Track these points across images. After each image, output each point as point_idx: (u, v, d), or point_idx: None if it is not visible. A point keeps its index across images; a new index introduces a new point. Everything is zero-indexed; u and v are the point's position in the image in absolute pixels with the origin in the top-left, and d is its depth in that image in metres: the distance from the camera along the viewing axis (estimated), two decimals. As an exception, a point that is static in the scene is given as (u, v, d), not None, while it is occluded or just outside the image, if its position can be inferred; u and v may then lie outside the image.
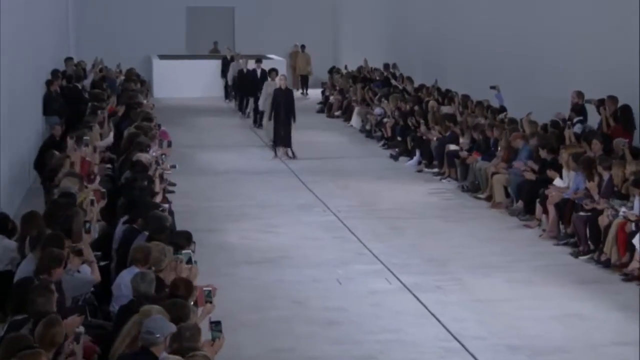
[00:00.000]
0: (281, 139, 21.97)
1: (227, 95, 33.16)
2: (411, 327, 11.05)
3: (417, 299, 12.08)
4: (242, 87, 29.29)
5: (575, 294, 12.27)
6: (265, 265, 13.57)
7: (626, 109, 16.28)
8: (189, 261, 9.30)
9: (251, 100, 27.86)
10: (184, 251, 9.36)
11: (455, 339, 10.65)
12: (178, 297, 8.09)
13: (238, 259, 13.84)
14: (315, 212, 16.96)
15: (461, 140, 19.44)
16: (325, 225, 15.97)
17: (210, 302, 8.39)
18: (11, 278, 9.48)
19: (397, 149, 22.51)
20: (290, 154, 21.91)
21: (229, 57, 32.85)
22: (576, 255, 13.94)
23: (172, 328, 7.03)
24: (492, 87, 20.97)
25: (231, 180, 19.62)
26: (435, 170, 20.16)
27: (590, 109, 17.45)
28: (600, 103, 16.76)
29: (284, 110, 21.95)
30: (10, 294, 8.17)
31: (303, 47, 36.34)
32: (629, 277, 12.77)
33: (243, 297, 11.97)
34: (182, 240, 9.84)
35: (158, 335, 6.93)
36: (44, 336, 6.85)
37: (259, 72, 27.89)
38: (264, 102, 23.75)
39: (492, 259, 13.91)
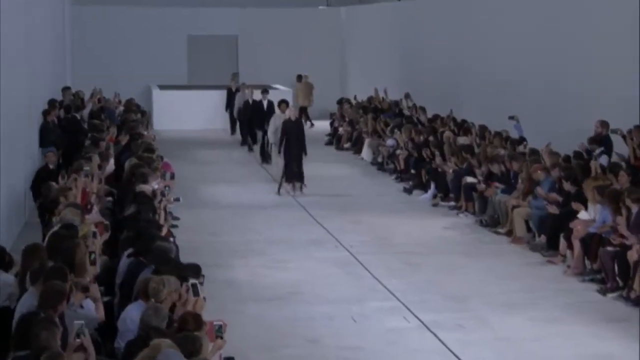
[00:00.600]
0: (293, 175, 21.58)
1: (233, 129, 32.30)
2: (431, 367, 10.99)
3: (437, 337, 12.01)
4: (248, 119, 28.78)
5: (604, 334, 12.18)
6: (276, 302, 13.52)
7: (655, 138, 16.29)
8: (195, 292, 9.23)
9: (259, 134, 27.43)
10: (190, 281, 9.30)
11: (479, 379, 10.58)
12: (187, 331, 8.03)
13: (246, 295, 13.78)
14: (326, 247, 16.93)
15: (477, 171, 19.41)
16: (337, 261, 15.93)
17: (221, 338, 8.31)
18: (9, 314, 9.43)
19: (410, 182, 22.49)
20: (301, 189, 21.61)
21: (233, 89, 32.20)
22: (604, 292, 13.86)
23: (184, 362, 6.98)
24: (511, 118, 21.00)
25: (236, 215, 19.60)
26: (452, 203, 20.12)
27: (616, 139, 17.43)
28: (628, 133, 16.74)
29: (295, 143, 21.61)
30: (13, 329, 8.11)
31: (299, 77, 35.95)
32: (660, 315, 12.70)
33: (252, 336, 11.90)
34: (190, 272, 9.80)
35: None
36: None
37: (265, 103, 27.53)
38: (273, 135, 23.29)
39: (514, 296, 13.85)
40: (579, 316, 12.88)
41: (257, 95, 28.57)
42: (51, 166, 17.59)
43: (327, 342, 11.85)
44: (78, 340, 7.24)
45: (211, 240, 17.24)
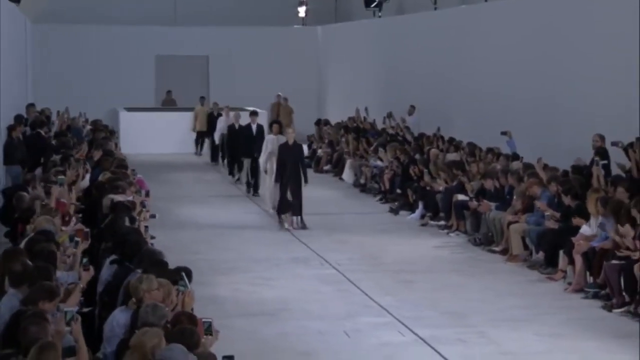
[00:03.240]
0: (289, 206, 19.95)
1: (214, 157, 31.14)
2: (433, 380, 10.91)
3: (437, 351, 11.92)
4: (234, 146, 26.38)
5: (612, 348, 12.13)
6: (263, 317, 13.41)
7: (657, 150, 16.33)
8: (184, 285, 9.19)
9: (246, 162, 24.98)
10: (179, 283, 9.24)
11: (485, 392, 10.49)
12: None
13: (232, 312, 13.66)
14: (312, 265, 16.87)
15: (468, 187, 19.41)
16: (325, 279, 15.85)
17: (211, 334, 8.27)
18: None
19: (396, 203, 22.46)
20: (299, 223, 19.95)
21: (215, 113, 31.46)
22: (609, 308, 13.82)
23: (191, 358, 6.89)
24: (503, 133, 21.02)
25: (215, 235, 19.52)
26: (442, 223, 20.10)
27: (615, 151, 17.47)
28: (629, 145, 16.80)
29: (292, 171, 19.95)
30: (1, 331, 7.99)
31: (286, 99, 35.92)
32: (670, 330, 12.67)
33: (242, 350, 11.61)
34: (178, 275, 9.71)
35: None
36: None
37: (254, 127, 24.68)
38: (265, 161, 21.55)
39: (516, 312, 13.80)
40: (585, 332, 12.83)
41: (244, 118, 26.55)
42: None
43: (321, 356, 11.75)
44: (68, 327, 7.12)
45: (191, 259, 16.87)
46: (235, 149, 26.36)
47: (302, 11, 40.57)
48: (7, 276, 9.10)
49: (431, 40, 28.27)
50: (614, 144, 17.24)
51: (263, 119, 30.29)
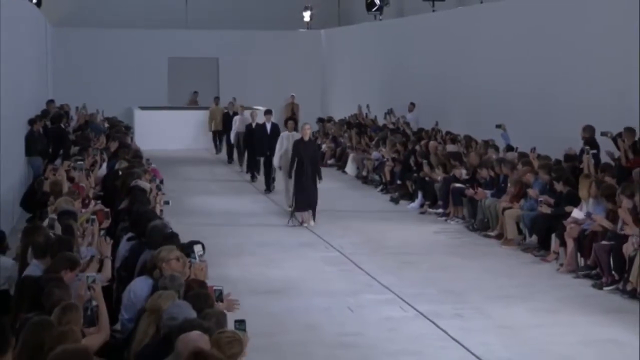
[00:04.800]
0: (304, 202, 18.92)
1: (231, 156, 30.14)
2: (432, 350, 10.89)
3: (436, 325, 11.89)
4: (251, 144, 25.13)
5: (604, 322, 12.09)
6: (272, 295, 13.39)
7: (646, 139, 16.30)
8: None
9: (260, 161, 24.14)
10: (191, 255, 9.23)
11: (482, 361, 10.46)
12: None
13: (242, 289, 13.49)
14: (318, 248, 16.84)
15: (463, 172, 19.53)
16: (330, 261, 15.82)
17: (222, 301, 8.26)
18: (7, 297, 9.26)
19: (397, 193, 22.43)
20: (314, 219, 18.94)
21: (231, 112, 30.67)
22: (600, 286, 13.78)
23: (195, 314, 6.87)
24: (498, 126, 20.96)
25: (225, 221, 19.50)
26: (440, 211, 20.05)
27: (604, 141, 17.44)
28: (618, 135, 16.75)
29: (308, 167, 18.91)
30: (15, 293, 7.95)
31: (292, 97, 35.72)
32: (658, 306, 12.63)
33: (251, 324, 11.54)
34: (190, 247, 9.70)
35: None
36: (60, 321, 6.63)
37: (268, 126, 23.67)
38: (279, 159, 20.67)
39: (511, 290, 13.76)
40: (577, 307, 12.80)
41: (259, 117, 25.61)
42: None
43: (327, 329, 11.72)
44: (89, 292, 7.10)
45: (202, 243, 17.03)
46: (252, 147, 25.15)
47: (307, 16, 40.53)
48: (31, 247, 9.07)
49: (429, 41, 28.23)
50: (603, 134, 17.20)
51: (276, 118, 30.16)
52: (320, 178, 19.15)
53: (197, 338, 6.15)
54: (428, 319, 12.15)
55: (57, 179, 13.38)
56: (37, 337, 6.20)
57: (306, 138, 19.26)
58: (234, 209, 21.23)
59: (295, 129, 21.09)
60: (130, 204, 12.58)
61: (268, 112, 24.25)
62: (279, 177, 21.99)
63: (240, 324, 7.50)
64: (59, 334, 6.12)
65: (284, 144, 20.38)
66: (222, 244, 16.87)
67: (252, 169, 25.63)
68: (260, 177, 24.54)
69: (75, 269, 8.26)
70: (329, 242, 17.28)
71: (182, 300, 7.05)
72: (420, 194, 21.15)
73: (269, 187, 23.45)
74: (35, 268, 8.79)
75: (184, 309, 6.90)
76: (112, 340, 8.34)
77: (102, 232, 10.00)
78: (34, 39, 26.83)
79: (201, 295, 7.48)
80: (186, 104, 36.65)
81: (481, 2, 26.09)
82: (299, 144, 19.15)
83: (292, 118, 22.20)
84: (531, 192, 16.64)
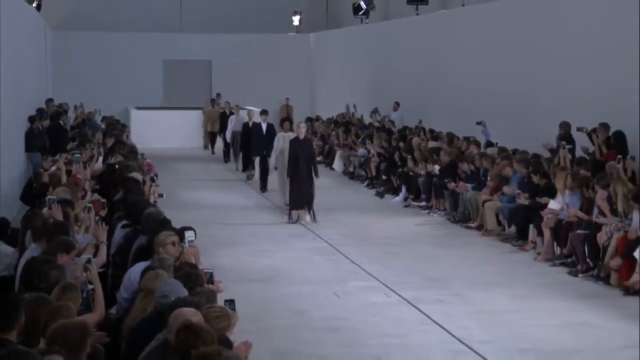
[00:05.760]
0: (300, 201, 18.49)
1: (227, 156, 29.59)
2: (415, 333, 10.92)
3: (419, 309, 11.92)
4: (248, 143, 24.49)
5: (579, 307, 12.14)
6: (262, 282, 13.41)
7: (619, 134, 16.31)
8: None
9: (256, 160, 23.72)
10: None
11: (463, 343, 10.48)
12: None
13: (233, 277, 13.54)
14: (306, 239, 16.87)
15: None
16: (318, 251, 15.85)
17: (212, 284, 8.27)
18: (6, 284, 9.25)
19: (382, 187, 22.48)
20: (311, 216, 18.45)
21: (227, 112, 30.27)
22: (575, 273, 13.85)
23: (186, 292, 6.89)
24: (478, 123, 21.03)
25: (217, 214, 19.49)
26: (423, 204, 20.09)
27: (581, 137, 17.49)
28: (593, 131, 16.80)
29: (304, 165, 18.48)
30: (19, 276, 7.95)
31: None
32: (630, 292, 12.67)
33: (241, 310, 11.55)
34: (181, 233, 9.71)
35: (173, 298, 6.76)
36: (59, 300, 6.63)
37: (264, 126, 23.13)
38: (276, 158, 20.18)
39: (491, 277, 13.81)
40: (553, 293, 12.85)
41: (255, 117, 25.44)
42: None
43: (313, 314, 11.74)
44: (85, 274, 7.10)
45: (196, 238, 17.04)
46: (248, 147, 24.61)
47: (296, 20, 40.50)
48: (30, 231, 9.08)
49: (413, 43, 28.24)
50: (579, 129, 17.22)
51: (270, 120, 29.86)
52: (316, 175, 18.78)
53: (189, 313, 6.17)
54: (411, 304, 12.17)
55: (56, 171, 13.37)
56: (33, 312, 6.20)
57: (301, 137, 18.89)
58: (227, 203, 21.22)
59: (291, 129, 20.59)
60: (125, 194, 12.58)
61: (264, 112, 23.86)
62: (274, 177, 21.52)
63: (230, 303, 7.51)
64: (54, 309, 6.12)
65: (280, 143, 19.92)
66: (214, 235, 16.85)
67: (248, 167, 25.13)
68: (255, 177, 24.06)
69: (70, 252, 8.26)
70: (317, 233, 17.31)
71: (174, 279, 7.07)
72: (404, 188, 21.21)
73: (264, 186, 22.88)
74: (32, 251, 8.79)
75: (175, 287, 6.92)
76: (107, 320, 8.36)
77: (98, 217, 9.98)
78: (33, 41, 26.79)
79: (192, 275, 7.50)
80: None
81: (463, 6, 26.12)
82: (294, 143, 18.79)
83: (287, 119, 21.78)
84: (506, 189, 16.72)
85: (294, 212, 18.47)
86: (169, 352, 6.05)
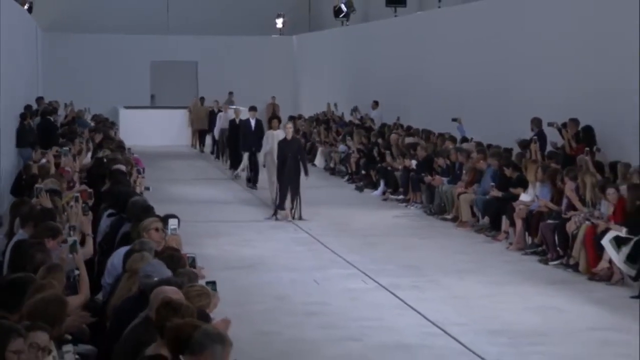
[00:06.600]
0: (286, 200, 18.07)
1: (215, 152, 29.27)
2: (391, 316, 10.97)
3: (395, 295, 11.96)
4: (235, 140, 24.06)
5: (548, 292, 12.20)
6: (244, 270, 13.42)
7: (588, 129, 16.38)
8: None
9: (245, 156, 23.04)
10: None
11: (436, 325, 10.52)
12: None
13: (216, 266, 13.50)
14: (288, 231, 16.91)
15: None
16: (299, 241, 15.87)
17: (195, 268, 8.24)
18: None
19: (361, 182, 22.51)
20: (297, 214, 18.04)
21: (216, 110, 29.99)
22: (545, 261, 13.92)
23: (169, 272, 6.88)
24: (454, 120, 21.08)
25: (203, 207, 19.48)
26: (401, 197, 20.14)
27: (552, 132, 17.56)
28: (563, 126, 16.87)
29: (291, 164, 18.06)
30: (7, 260, 7.92)
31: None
32: (597, 278, 12.75)
33: (223, 295, 11.57)
34: (165, 220, 9.70)
35: (156, 278, 6.75)
36: (44, 279, 6.61)
37: (253, 122, 22.31)
38: (264, 157, 19.77)
39: (465, 265, 13.86)
40: (524, 280, 12.90)
41: (244, 114, 24.71)
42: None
43: (294, 299, 11.77)
44: (71, 255, 7.09)
45: (181, 225, 17.00)
46: (236, 144, 24.00)
47: (279, 22, 40.49)
48: (18, 218, 9.05)
49: (392, 43, 28.27)
50: (550, 124, 17.28)
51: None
52: (306, 174, 18.29)
53: (169, 291, 6.17)
54: (388, 290, 12.21)
55: (45, 164, 13.34)
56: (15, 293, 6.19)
57: (289, 137, 18.42)
58: (213, 198, 21.19)
59: (279, 127, 19.99)
60: (112, 186, 12.56)
61: (252, 109, 22.99)
62: (263, 174, 21.10)
63: (212, 284, 7.51)
64: (38, 286, 6.10)
65: (269, 142, 19.38)
66: (199, 226, 16.85)
67: (236, 165, 24.57)
68: (243, 174, 23.59)
69: (57, 237, 8.23)
70: (299, 225, 17.33)
71: (157, 260, 7.06)
72: (382, 182, 21.27)
73: (252, 181, 22.52)
74: (20, 236, 8.76)
75: (158, 268, 6.91)
76: (93, 303, 8.35)
77: (84, 205, 9.94)
78: (25, 42, 26.70)
79: (175, 257, 7.50)
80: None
81: (439, 7, 26.17)
82: (282, 143, 18.33)
83: (276, 116, 21.06)
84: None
85: (282, 212, 18.01)
86: (150, 328, 6.04)
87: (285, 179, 18.02)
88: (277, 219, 17.92)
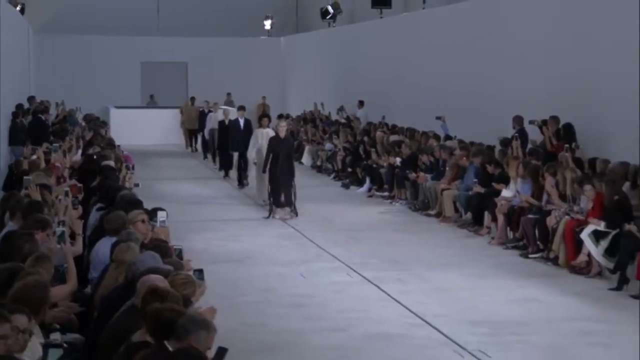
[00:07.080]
0: (280, 199, 17.65)
1: (205, 153, 29.09)
2: (375, 308, 10.97)
3: (379, 288, 11.98)
4: (225, 141, 23.62)
5: (529, 285, 12.23)
6: (231, 264, 13.42)
7: (568, 126, 16.43)
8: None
9: (234, 156, 22.69)
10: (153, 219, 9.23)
11: (418, 316, 10.54)
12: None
13: (204, 260, 13.41)
14: (274, 226, 16.90)
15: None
16: (286, 236, 15.87)
17: (182, 259, 8.25)
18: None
19: (347, 179, 22.54)
20: (292, 212, 17.64)
21: (206, 110, 29.65)
22: (526, 255, 13.96)
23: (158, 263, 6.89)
24: (438, 118, 21.11)
25: (192, 204, 19.46)
26: (386, 193, 20.17)
27: (533, 129, 17.60)
28: (543, 123, 16.92)
29: (283, 163, 17.61)
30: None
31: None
32: (576, 270, 12.79)
33: (211, 288, 11.57)
34: (154, 213, 9.71)
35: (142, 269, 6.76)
36: (32, 268, 6.59)
37: (242, 121, 22.03)
38: (256, 154, 19.10)
39: (447, 259, 13.89)
40: (505, 273, 12.93)
41: (233, 114, 24.86)
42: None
43: (280, 291, 11.77)
44: (59, 246, 7.08)
45: (171, 220, 16.94)
46: (225, 144, 23.63)
47: (267, 24, 40.49)
48: (8, 210, 9.03)
49: (377, 44, 28.29)
50: (531, 122, 17.32)
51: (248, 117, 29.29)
52: (293, 175, 17.76)
53: (156, 279, 6.17)
54: (372, 283, 12.22)
55: (35, 159, 13.31)
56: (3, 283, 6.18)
57: (282, 135, 17.99)
58: (201, 194, 21.19)
59: (269, 126, 19.77)
60: (102, 181, 12.55)
61: (241, 108, 22.77)
62: (252, 173, 20.62)
63: (199, 273, 7.52)
64: (26, 274, 6.09)
65: (259, 140, 18.93)
66: (188, 222, 16.89)
67: (225, 166, 24.17)
68: (233, 173, 23.12)
69: (46, 229, 8.21)
70: (285, 221, 17.30)
71: (149, 251, 7.04)
72: (368, 180, 21.29)
73: (241, 181, 22.13)
74: (9, 228, 8.74)
75: (147, 258, 6.90)
76: (81, 294, 8.34)
77: (74, 199, 9.94)
78: (18, 43, 26.63)
79: (161, 247, 7.52)
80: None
81: (423, 9, 26.21)
82: (274, 141, 17.90)
83: (265, 115, 20.91)
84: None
85: (278, 211, 17.60)
86: (136, 316, 6.05)
87: (278, 178, 17.61)
88: (274, 218, 17.55)
